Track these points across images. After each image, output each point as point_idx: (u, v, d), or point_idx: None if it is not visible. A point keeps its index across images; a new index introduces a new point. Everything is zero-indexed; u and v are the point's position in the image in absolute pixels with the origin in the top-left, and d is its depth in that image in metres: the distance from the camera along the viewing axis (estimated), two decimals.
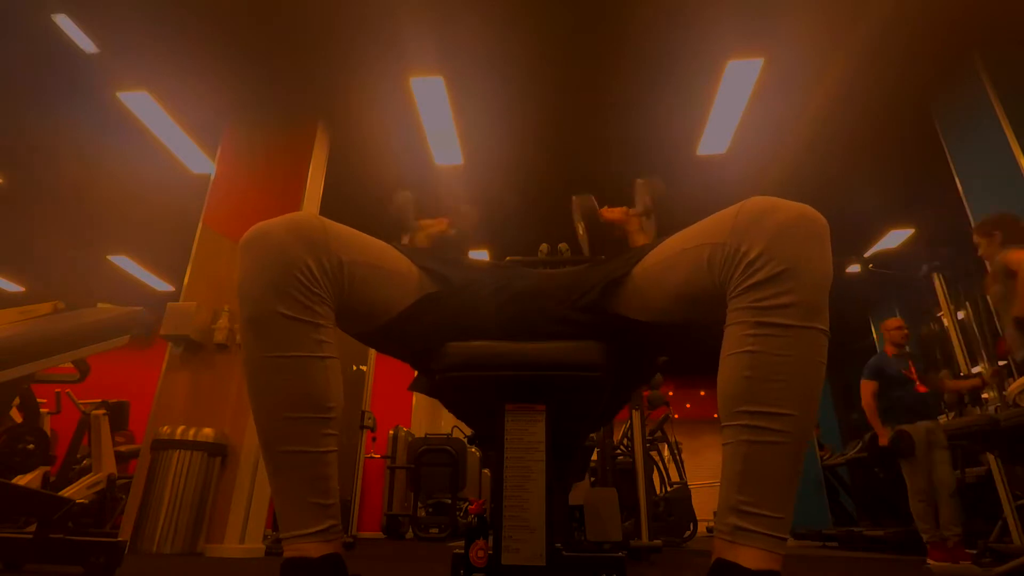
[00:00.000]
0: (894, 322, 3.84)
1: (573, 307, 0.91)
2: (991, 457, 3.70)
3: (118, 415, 4.28)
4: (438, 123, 4.38)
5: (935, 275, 4.21)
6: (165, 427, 3.18)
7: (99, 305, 2.10)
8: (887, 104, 4.18)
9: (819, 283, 0.67)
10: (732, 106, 4.17)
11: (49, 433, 3.77)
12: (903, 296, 7.40)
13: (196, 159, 4.81)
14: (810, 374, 0.68)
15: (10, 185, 5.31)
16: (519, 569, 0.77)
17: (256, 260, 0.74)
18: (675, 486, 5.54)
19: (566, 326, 0.90)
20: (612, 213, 1.31)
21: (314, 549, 0.76)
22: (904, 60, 3.78)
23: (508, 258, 3.81)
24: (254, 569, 2.41)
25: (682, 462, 5.99)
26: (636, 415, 3.59)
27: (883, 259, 6.11)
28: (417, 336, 0.92)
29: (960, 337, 4.19)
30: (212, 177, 4.23)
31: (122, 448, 4.42)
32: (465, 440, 5.67)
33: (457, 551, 1.11)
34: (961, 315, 4.21)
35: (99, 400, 4.23)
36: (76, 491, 3.80)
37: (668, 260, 0.81)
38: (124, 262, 6.89)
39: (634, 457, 3.57)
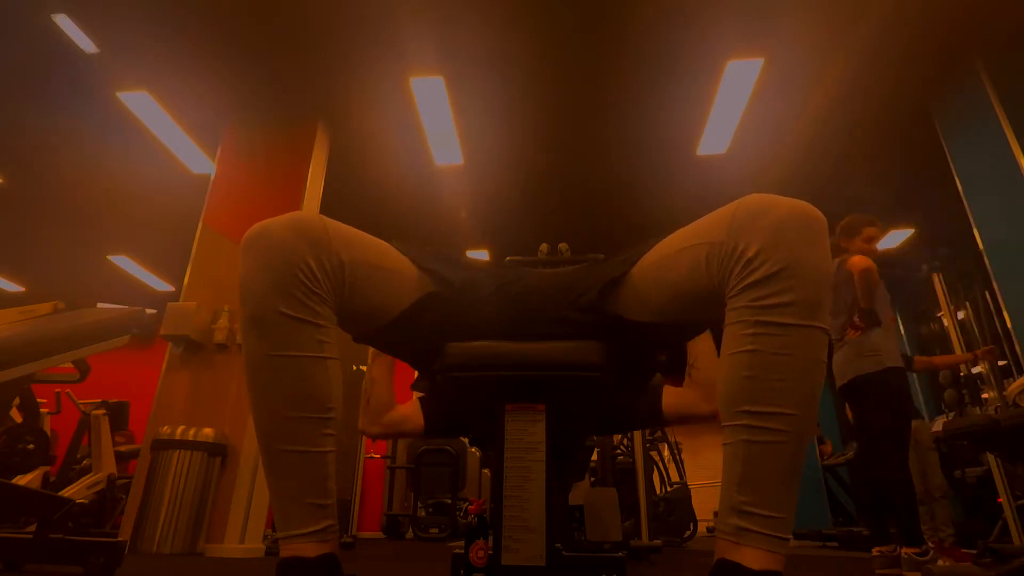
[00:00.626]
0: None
1: (572, 307, 0.90)
2: (991, 457, 3.70)
3: (118, 415, 4.28)
4: (438, 123, 4.38)
5: (935, 275, 4.21)
6: (165, 427, 3.18)
7: (99, 305, 2.10)
8: (887, 104, 4.18)
9: (819, 281, 0.67)
10: (732, 106, 4.17)
11: (49, 433, 3.77)
12: (903, 296, 7.40)
13: (196, 159, 4.81)
14: (811, 373, 0.67)
15: (10, 185, 5.31)
16: (519, 569, 0.77)
17: (257, 259, 0.74)
18: (675, 486, 5.53)
19: (565, 326, 0.90)
20: None
21: (311, 549, 0.75)
22: (904, 60, 3.78)
23: (508, 258, 3.82)
24: (254, 569, 2.41)
25: (682, 462, 5.99)
26: None
27: (883, 259, 6.10)
28: (418, 336, 0.92)
29: (960, 337, 4.19)
30: (212, 177, 4.23)
31: (122, 448, 4.42)
32: (465, 440, 5.67)
33: (457, 551, 1.11)
34: (961, 315, 4.22)
35: (99, 400, 4.23)
36: (76, 491, 3.80)
37: (666, 260, 0.80)
38: (124, 262, 6.89)
39: (634, 457, 3.57)
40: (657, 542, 3.24)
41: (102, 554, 1.50)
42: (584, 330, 0.89)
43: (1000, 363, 4.04)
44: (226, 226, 4.00)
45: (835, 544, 5.25)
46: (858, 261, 2.63)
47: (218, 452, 3.22)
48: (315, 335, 0.75)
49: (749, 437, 0.66)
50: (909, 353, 6.64)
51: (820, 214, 0.69)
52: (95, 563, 1.49)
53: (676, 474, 5.90)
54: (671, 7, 3.41)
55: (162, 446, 3.12)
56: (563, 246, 3.56)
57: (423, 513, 5.88)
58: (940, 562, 3.10)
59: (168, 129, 4.48)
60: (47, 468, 4.27)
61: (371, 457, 6.42)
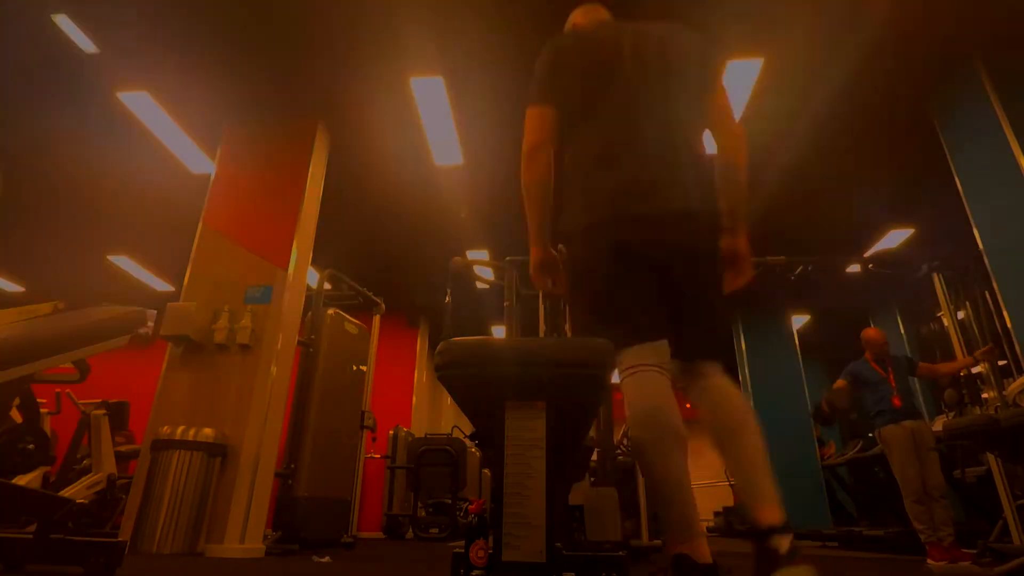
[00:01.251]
0: (878, 336, 3.91)
1: None
2: (991, 457, 3.70)
3: (118, 415, 4.28)
4: (438, 123, 4.38)
5: (935, 275, 4.21)
6: (165, 427, 3.18)
7: (99, 305, 2.10)
8: (887, 104, 4.18)
9: None
10: (732, 106, 4.16)
11: (49, 433, 3.77)
12: (903, 296, 7.40)
13: (196, 159, 4.81)
14: None
15: (10, 185, 5.31)
16: (520, 566, 0.77)
17: None
18: None
19: None
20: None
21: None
22: (904, 60, 3.78)
23: (508, 258, 3.82)
24: (254, 569, 2.41)
25: None
26: None
27: (883, 259, 6.11)
28: None
29: (960, 337, 4.19)
30: (212, 177, 4.23)
31: (122, 448, 4.42)
32: (465, 437, 5.67)
33: (457, 551, 1.11)
34: (961, 315, 4.22)
35: (99, 400, 4.24)
36: (76, 491, 3.80)
37: None
38: (124, 262, 6.89)
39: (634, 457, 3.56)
40: (657, 542, 3.24)
41: (102, 554, 1.50)
42: None
43: (1000, 363, 4.03)
44: (226, 226, 4.00)
45: (835, 544, 5.25)
46: None
47: (218, 452, 3.22)
48: None
49: None
50: (909, 353, 6.66)
51: None
52: (95, 563, 1.49)
53: None
54: (671, 7, 3.41)
55: (162, 446, 3.11)
56: (562, 247, 3.56)
57: (423, 513, 5.88)
58: (931, 561, 3.11)
59: (168, 129, 4.48)
60: (47, 468, 4.28)
61: (371, 457, 6.42)
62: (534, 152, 1.36)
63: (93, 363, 2.08)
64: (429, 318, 8.49)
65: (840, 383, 3.83)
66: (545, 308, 3.74)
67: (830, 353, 9.31)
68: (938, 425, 4.52)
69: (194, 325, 3.54)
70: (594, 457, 3.86)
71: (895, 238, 5.96)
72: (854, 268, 6.24)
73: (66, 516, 1.58)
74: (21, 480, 3.36)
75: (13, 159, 4.93)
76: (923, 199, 5.27)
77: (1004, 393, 3.77)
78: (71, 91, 4.13)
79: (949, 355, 4.38)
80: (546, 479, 0.81)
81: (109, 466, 4.03)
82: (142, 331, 2.04)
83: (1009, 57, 3.57)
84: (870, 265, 5.92)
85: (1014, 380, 3.75)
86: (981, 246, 3.65)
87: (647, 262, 1.22)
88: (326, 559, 2.90)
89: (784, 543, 0.95)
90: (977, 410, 4.12)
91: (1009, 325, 3.41)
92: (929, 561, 3.18)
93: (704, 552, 0.98)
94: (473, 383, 0.89)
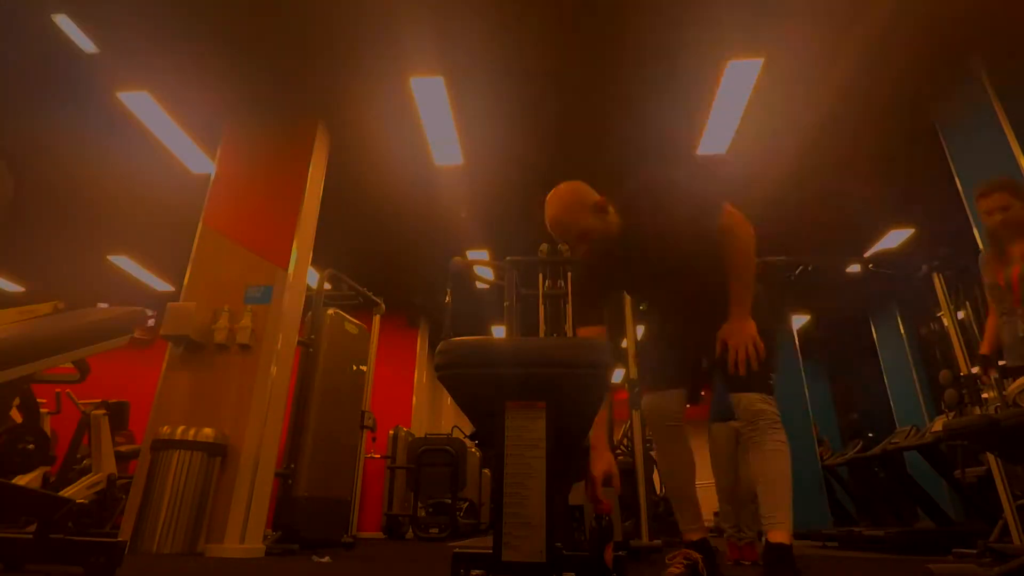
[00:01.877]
0: None
1: None
2: (991, 457, 3.70)
3: (118, 415, 4.29)
4: (438, 123, 4.38)
5: (935, 275, 4.21)
6: (165, 427, 3.18)
7: (99, 305, 2.10)
8: (887, 104, 4.18)
9: None
10: (732, 106, 4.17)
11: (49, 433, 3.77)
12: (903, 296, 7.40)
13: (196, 159, 4.81)
14: None
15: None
16: (520, 566, 0.77)
17: None
18: None
19: None
20: None
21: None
22: (905, 60, 3.78)
23: (508, 258, 3.82)
24: (254, 569, 2.41)
25: None
26: (636, 415, 3.59)
27: (883, 259, 6.11)
28: None
29: (960, 337, 4.18)
30: (212, 177, 4.23)
31: (122, 448, 4.42)
32: (465, 437, 5.67)
33: (457, 551, 1.11)
34: (961, 315, 4.22)
35: (99, 400, 4.24)
36: (76, 491, 3.80)
37: None
38: (124, 262, 6.89)
39: (634, 457, 3.57)
40: (657, 542, 3.24)
41: (102, 554, 1.50)
42: None
43: (1000, 363, 4.03)
44: (226, 226, 4.00)
45: (835, 544, 5.25)
46: None
47: (218, 452, 3.22)
48: None
49: None
50: (909, 354, 6.66)
51: None
52: (95, 563, 1.48)
53: None
54: (671, 7, 3.41)
55: (162, 446, 3.11)
56: (563, 246, 3.56)
57: (423, 513, 5.88)
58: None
59: (168, 129, 4.48)
60: (47, 468, 4.28)
61: (371, 457, 6.42)
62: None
63: (93, 363, 2.08)
64: (429, 318, 8.49)
65: None
66: (545, 308, 3.74)
67: (831, 353, 9.32)
68: (938, 425, 4.51)
69: (194, 325, 3.54)
70: None
71: (895, 238, 5.96)
72: (854, 268, 6.25)
73: (66, 516, 1.57)
74: (21, 480, 3.36)
75: (13, 159, 4.93)
76: (923, 199, 5.27)
77: (1004, 393, 3.76)
78: (71, 91, 4.13)
79: (949, 355, 4.38)
80: (546, 479, 0.81)
81: (109, 466, 4.04)
82: (137, 334, 2.04)
83: (1010, 57, 3.58)
84: (870, 265, 5.92)
85: (1014, 380, 3.74)
86: (981, 246, 3.65)
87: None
88: (326, 559, 2.90)
89: None
90: (977, 410, 4.12)
91: None
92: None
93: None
94: (473, 383, 0.89)
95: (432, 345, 8.59)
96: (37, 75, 3.98)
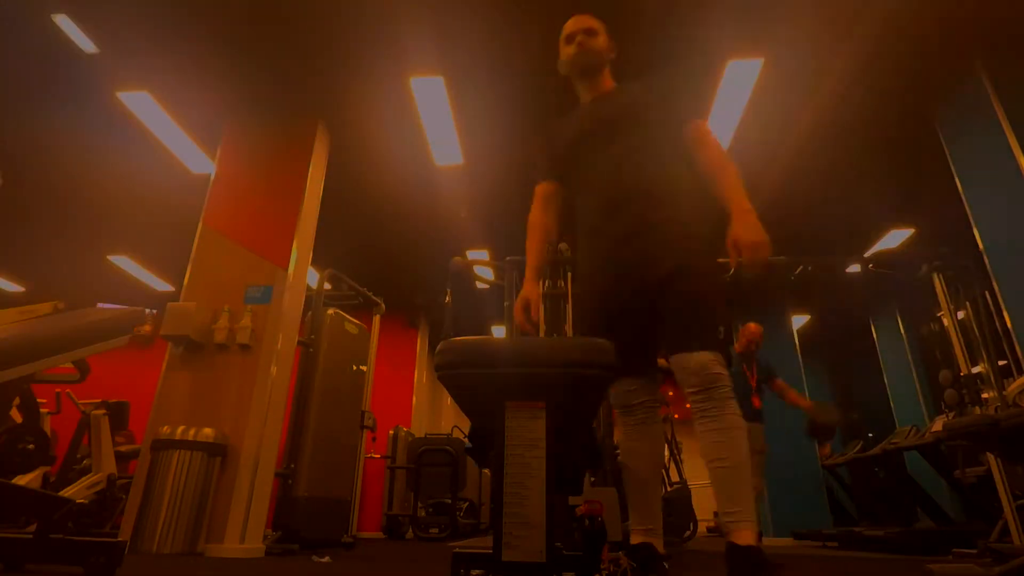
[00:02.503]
0: (750, 333, 4.26)
1: None
2: (991, 457, 3.70)
3: (118, 415, 4.29)
4: (438, 123, 4.38)
5: (935, 275, 4.21)
6: (165, 427, 3.18)
7: (99, 305, 2.10)
8: (887, 104, 4.18)
9: None
10: (732, 106, 4.17)
11: (49, 433, 3.77)
12: (903, 296, 7.40)
13: (196, 159, 4.81)
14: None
15: (10, 185, 5.31)
16: (520, 566, 0.77)
17: None
18: (675, 486, 5.53)
19: None
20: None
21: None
22: (905, 60, 3.78)
23: (508, 258, 3.82)
24: (254, 569, 2.41)
25: (682, 462, 5.98)
26: None
27: (883, 259, 6.11)
28: None
29: (960, 337, 4.18)
30: (212, 177, 4.23)
31: (122, 448, 4.42)
32: (465, 437, 5.67)
33: (457, 551, 1.11)
34: (961, 315, 4.21)
35: (99, 400, 4.24)
36: (76, 491, 3.80)
37: None
38: (124, 262, 6.89)
39: None
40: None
41: (102, 554, 1.50)
42: None
43: (1000, 363, 4.03)
44: (226, 226, 4.00)
45: (835, 544, 5.25)
46: None
47: (218, 452, 3.22)
48: None
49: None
50: (909, 354, 6.66)
51: None
52: (95, 563, 1.48)
53: (676, 474, 5.89)
54: (671, 7, 3.41)
55: (162, 446, 3.11)
56: (563, 246, 3.56)
57: (423, 513, 5.88)
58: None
59: (168, 129, 4.48)
60: (47, 468, 4.28)
61: (371, 457, 6.42)
62: (530, 220, 1.87)
63: (93, 363, 2.08)
64: (429, 318, 8.49)
65: None
66: (545, 308, 3.74)
67: (831, 353, 9.32)
68: (938, 425, 4.52)
69: (194, 325, 3.54)
70: None
71: (895, 238, 5.96)
72: (854, 268, 6.25)
73: (66, 516, 1.58)
74: (21, 480, 3.36)
75: (13, 159, 4.93)
76: (923, 199, 5.27)
77: (1004, 393, 3.77)
78: (71, 91, 4.13)
79: (949, 355, 4.38)
80: (546, 479, 0.81)
81: (109, 466, 4.04)
82: (137, 331, 2.04)
83: (1010, 58, 3.57)
84: (870, 265, 5.92)
85: (1014, 380, 3.75)
86: (981, 246, 3.65)
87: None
88: (326, 559, 2.90)
89: None
90: (977, 410, 4.12)
91: (1009, 325, 3.41)
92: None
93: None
94: (473, 383, 0.89)
95: (432, 345, 8.59)
96: (37, 75, 3.98)
